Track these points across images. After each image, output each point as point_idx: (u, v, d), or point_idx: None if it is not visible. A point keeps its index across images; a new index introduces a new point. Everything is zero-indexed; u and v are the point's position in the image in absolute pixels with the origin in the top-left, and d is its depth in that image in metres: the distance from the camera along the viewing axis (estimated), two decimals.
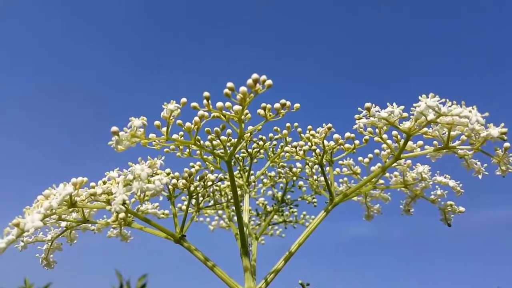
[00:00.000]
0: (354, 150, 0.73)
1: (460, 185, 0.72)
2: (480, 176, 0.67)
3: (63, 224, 0.67)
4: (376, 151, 0.75)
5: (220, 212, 1.03)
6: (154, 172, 0.57)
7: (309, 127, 0.73)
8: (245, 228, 0.70)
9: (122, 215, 0.52)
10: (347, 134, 0.71)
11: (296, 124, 0.76)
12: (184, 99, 0.58)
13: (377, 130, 0.68)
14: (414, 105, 0.59)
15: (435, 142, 0.67)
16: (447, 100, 0.58)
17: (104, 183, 0.60)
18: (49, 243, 0.68)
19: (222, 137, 0.66)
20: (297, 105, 0.62)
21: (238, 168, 0.82)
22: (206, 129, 0.66)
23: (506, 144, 0.62)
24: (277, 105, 0.60)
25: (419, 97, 0.58)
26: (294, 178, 0.88)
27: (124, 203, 0.54)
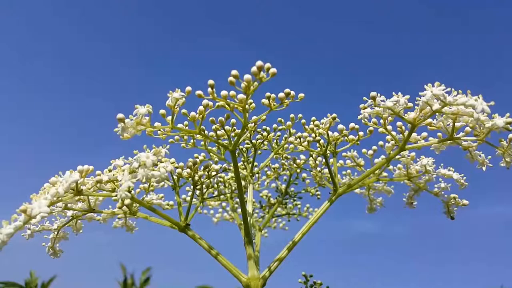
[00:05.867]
0: (358, 142, 0.73)
1: (464, 177, 0.72)
2: (484, 168, 0.67)
3: (69, 213, 0.67)
4: (380, 143, 0.74)
5: (224, 204, 1.04)
6: (159, 160, 0.57)
7: (313, 118, 0.73)
8: (248, 218, 0.71)
9: (127, 201, 0.52)
10: (352, 125, 0.71)
11: (300, 115, 0.76)
12: (189, 88, 0.58)
13: (381, 121, 0.68)
14: (420, 94, 0.59)
15: (439, 134, 0.67)
16: (453, 89, 0.58)
17: (110, 171, 0.60)
18: (55, 232, 0.69)
19: (227, 127, 0.67)
20: (301, 95, 0.62)
21: (242, 159, 0.83)
22: (210, 118, 0.67)
23: (511, 135, 0.62)
24: (281, 94, 0.60)
25: (425, 86, 0.58)
26: (298, 170, 0.88)
27: (129, 190, 0.54)
